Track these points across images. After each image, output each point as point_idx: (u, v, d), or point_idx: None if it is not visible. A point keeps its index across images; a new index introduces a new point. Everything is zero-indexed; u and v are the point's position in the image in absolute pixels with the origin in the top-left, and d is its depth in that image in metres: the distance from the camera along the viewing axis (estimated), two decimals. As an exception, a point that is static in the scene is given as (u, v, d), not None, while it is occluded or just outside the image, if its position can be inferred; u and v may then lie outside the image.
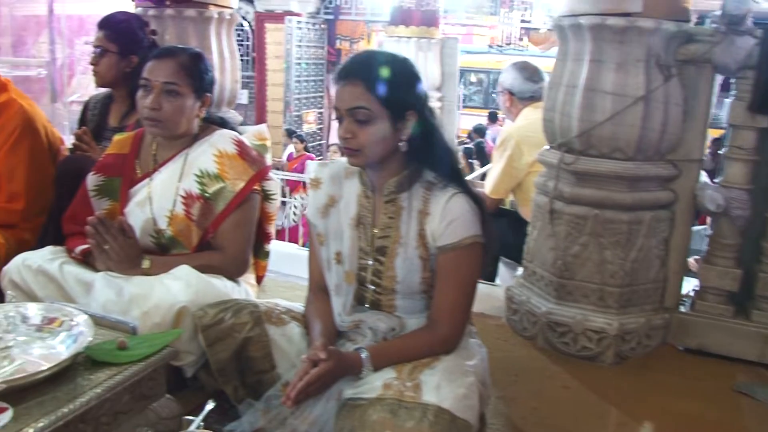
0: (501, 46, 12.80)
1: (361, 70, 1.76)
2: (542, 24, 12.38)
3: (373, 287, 1.91)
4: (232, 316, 1.87)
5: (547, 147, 2.70)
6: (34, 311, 1.49)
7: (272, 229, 2.44)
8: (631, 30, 2.33)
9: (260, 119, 11.64)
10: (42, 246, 2.52)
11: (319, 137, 12.59)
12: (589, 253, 2.51)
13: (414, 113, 1.79)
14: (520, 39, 13.28)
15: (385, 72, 1.76)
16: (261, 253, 2.43)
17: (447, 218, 1.79)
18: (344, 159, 1.99)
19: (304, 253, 3.92)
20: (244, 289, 2.23)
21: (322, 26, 12.50)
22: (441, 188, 1.83)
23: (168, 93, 2.11)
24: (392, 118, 1.76)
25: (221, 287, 2.05)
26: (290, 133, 10.06)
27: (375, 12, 12.37)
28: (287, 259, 3.26)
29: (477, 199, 1.85)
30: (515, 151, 3.34)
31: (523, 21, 13.07)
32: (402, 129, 1.78)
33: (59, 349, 1.40)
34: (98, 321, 1.53)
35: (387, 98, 1.74)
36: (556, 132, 2.56)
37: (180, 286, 1.96)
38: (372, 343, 1.84)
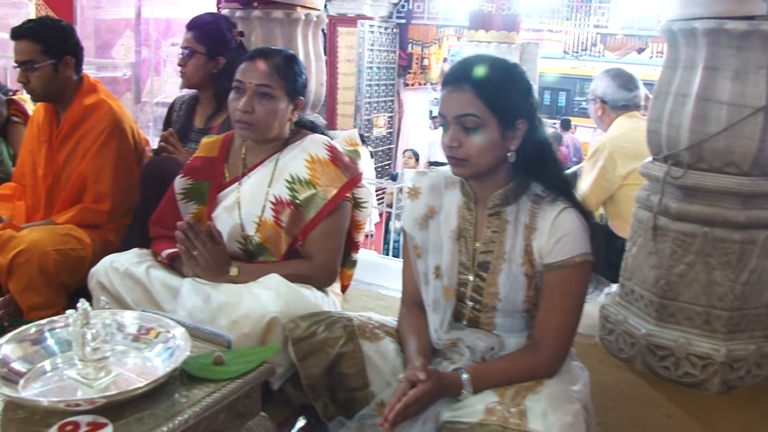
0: (576, 52, 12.49)
1: (470, 74, 1.66)
2: (619, 29, 12.00)
3: (471, 304, 1.81)
4: (325, 330, 1.79)
5: (650, 159, 2.54)
6: (130, 320, 1.44)
7: (361, 238, 2.36)
8: (753, 34, 2.16)
9: (331, 122, 11.64)
10: (126, 248, 2.51)
11: (388, 141, 12.54)
12: (695, 273, 2.34)
13: (524, 122, 1.69)
14: (594, 45, 12.91)
15: (496, 77, 1.66)
16: (348, 262, 2.35)
17: (556, 234, 1.69)
18: (444, 168, 1.92)
19: (386, 261, 3.85)
20: (332, 300, 2.15)
21: (394, 30, 12.43)
22: (549, 202, 1.73)
23: (261, 95, 2.05)
24: (502, 127, 1.66)
25: (311, 298, 1.98)
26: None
27: (447, 17, 12.24)
28: (369, 268, 3.18)
29: (587, 215, 1.74)
30: (608, 163, 3.18)
31: (596, 26, 12.71)
32: (511, 138, 1.69)
33: (155, 362, 1.35)
34: (193, 333, 1.47)
35: (498, 105, 1.65)
36: (662, 144, 2.40)
37: (270, 296, 1.89)
38: (470, 362, 1.76)
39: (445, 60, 13.75)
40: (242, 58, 2.15)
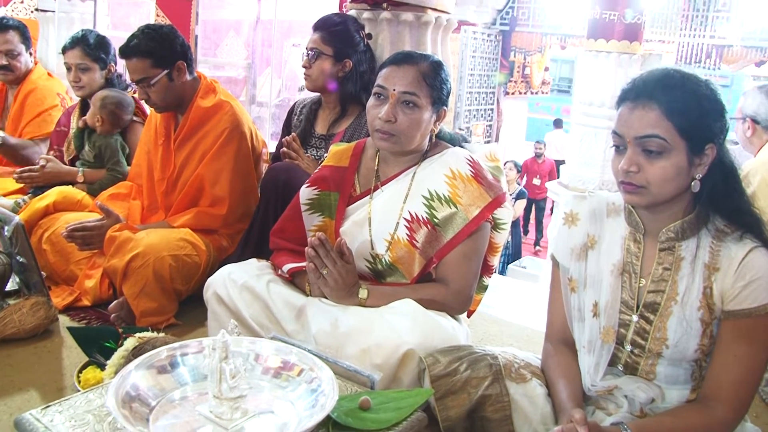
0: (689, 64, 11.91)
1: (658, 91, 1.45)
2: (738, 40, 11.36)
3: (630, 348, 1.60)
4: (468, 368, 1.60)
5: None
6: (269, 351, 1.29)
7: (495, 261, 2.15)
8: None
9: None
10: (241, 255, 2.40)
11: (486, 150, 12.27)
12: None
13: (713, 146, 1.47)
14: (708, 56, 12.32)
15: (688, 95, 1.45)
16: (480, 287, 2.16)
17: (745, 277, 1.47)
18: (604, 193, 1.71)
19: (502, 282, 3.64)
20: (465, 329, 1.96)
21: (497, 37, 12.16)
22: (735, 239, 1.50)
23: (405, 104, 1.88)
24: (690, 152, 1.45)
25: (449, 328, 1.80)
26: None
27: (553, 24, 11.89)
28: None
29: (782, 257, 1.49)
30: (760, 189, 2.87)
31: (712, 37, 12.13)
32: (698, 165, 1.47)
33: (298, 406, 1.19)
34: (333, 369, 1.31)
35: (688, 128, 1.44)
36: None
37: (406, 324, 1.72)
38: (627, 414, 1.57)
39: (546, 69, 13.41)
40: (385, 61, 1.98)
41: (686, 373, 1.57)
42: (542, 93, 13.75)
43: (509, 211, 2.02)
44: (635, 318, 1.58)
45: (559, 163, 10.19)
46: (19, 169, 3.15)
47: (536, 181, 10.94)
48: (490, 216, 1.94)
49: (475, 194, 1.91)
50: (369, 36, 2.74)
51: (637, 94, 1.48)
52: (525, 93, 13.02)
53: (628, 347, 1.60)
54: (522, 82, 12.78)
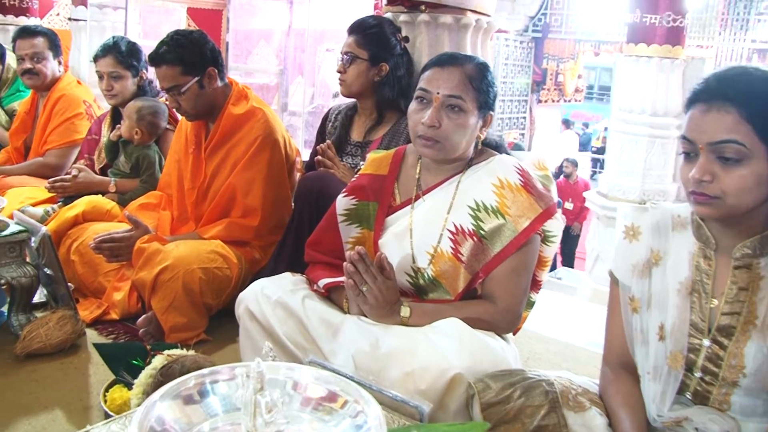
0: (729, 70, 11.65)
1: (735, 91, 1.30)
2: (778, 44, 11.07)
3: (701, 375, 1.44)
4: (522, 395, 1.47)
5: None
6: (308, 378, 1.16)
7: (544, 277, 2.02)
8: None
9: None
10: (274, 269, 2.30)
11: (518, 159, 12.12)
12: None
13: None
14: (749, 61, 12.08)
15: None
16: (527, 304, 2.02)
17: None
18: (668, 204, 1.56)
19: (543, 298, 3.48)
20: (514, 350, 1.82)
21: (530, 44, 12.01)
22: None
23: (450, 108, 1.76)
24: None
25: (498, 350, 1.66)
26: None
27: (586, 31, 11.71)
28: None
29: None
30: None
31: (752, 41, 11.89)
32: None
33: (341, 441, 1.06)
34: (378, 397, 1.18)
35: None
36: None
37: (452, 346, 1.59)
38: None
39: (580, 76, 13.21)
40: (428, 63, 1.86)
41: (765, 405, 1.41)
42: (575, 101, 13.53)
43: (559, 223, 1.88)
44: (707, 342, 1.43)
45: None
46: (51, 179, 3.10)
47: (568, 205, 8.87)
48: (540, 228, 1.81)
49: (524, 205, 1.77)
50: (406, 39, 2.62)
51: (710, 94, 1.33)
52: (558, 101, 12.84)
53: (698, 374, 1.45)
54: (555, 89, 12.60)
